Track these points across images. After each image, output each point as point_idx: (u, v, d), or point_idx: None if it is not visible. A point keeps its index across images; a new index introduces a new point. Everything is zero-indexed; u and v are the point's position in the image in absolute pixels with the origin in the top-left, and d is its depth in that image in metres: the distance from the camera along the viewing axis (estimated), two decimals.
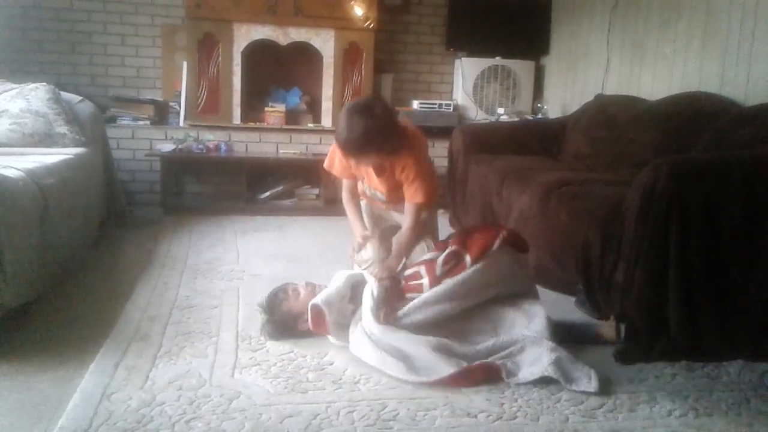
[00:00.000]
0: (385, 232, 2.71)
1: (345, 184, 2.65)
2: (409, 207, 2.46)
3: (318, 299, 2.23)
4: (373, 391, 1.94)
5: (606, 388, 1.99)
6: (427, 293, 2.25)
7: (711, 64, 3.50)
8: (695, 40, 3.64)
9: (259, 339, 2.28)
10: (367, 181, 2.59)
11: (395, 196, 2.53)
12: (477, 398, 1.91)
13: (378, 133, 2.23)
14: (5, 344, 2.17)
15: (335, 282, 2.35)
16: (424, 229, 2.61)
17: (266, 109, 5.03)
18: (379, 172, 2.47)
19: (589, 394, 1.95)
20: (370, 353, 2.07)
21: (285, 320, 2.30)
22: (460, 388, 1.96)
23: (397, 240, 2.53)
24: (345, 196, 2.66)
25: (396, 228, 2.61)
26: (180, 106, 4.99)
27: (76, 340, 2.25)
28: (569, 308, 2.67)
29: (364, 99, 2.75)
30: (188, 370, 2.02)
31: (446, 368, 1.99)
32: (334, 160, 2.61)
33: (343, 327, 2.24)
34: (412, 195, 2.44)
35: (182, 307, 2.60)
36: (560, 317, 2.44)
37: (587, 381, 1.99)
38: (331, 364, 2.11)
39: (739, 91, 3.27)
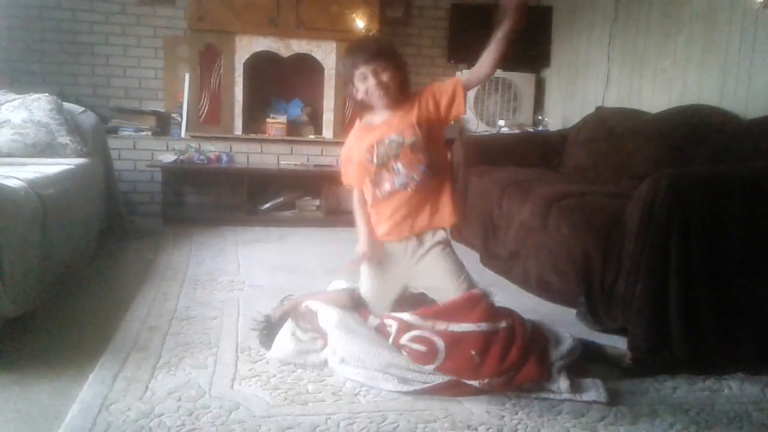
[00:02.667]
0: (406, 299, 2.30)
1: (356, 191, 2.42)
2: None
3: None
4: (373, 403, 1.93)
5: (611, 399, 1.98)
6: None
7: (711, 77, 3.52)
8: (695, 53, 3.65)
9: (258, 350, 2.27)
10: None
11: (428, 151, 2.20)
12: (477, 410, 1.90)
13: (392, 45, 2.32)
14: (4, 354, 2.17)
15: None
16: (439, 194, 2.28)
17: (267, 120, 5.05)
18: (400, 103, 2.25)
19: (592, 405, 1.94)
20: (358, 373, 2.05)
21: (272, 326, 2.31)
22: (458, 396, 1.95)
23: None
24: (356, 202, 2.42)
25: (417, 297, 2.28)
26: (181, 117, 5.00)
27: (75, 350, 2.24)
28: (570, 321, 2.67)
29: None
30: (187, 381, 2.02)
31: (440, 376, 1.98)
32: (348, 166, 2.37)
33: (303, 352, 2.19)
34: (450, 83, 2.24)
35: (182, 318, 2.59)
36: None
37: (596, 391, 1.98)
38: (331, 375, 2.10)
39: (739, 104, 3.28)
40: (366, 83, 2.19)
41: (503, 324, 2.02)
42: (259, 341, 2.28)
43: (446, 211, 2.24)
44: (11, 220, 2.22)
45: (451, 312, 2.04)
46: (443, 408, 1.90)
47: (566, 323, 2.56)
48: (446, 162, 2.30)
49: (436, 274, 2.19)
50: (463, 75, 2.26)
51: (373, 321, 2.16)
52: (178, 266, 3.40)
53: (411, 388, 1.96)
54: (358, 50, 2.23)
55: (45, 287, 2.56)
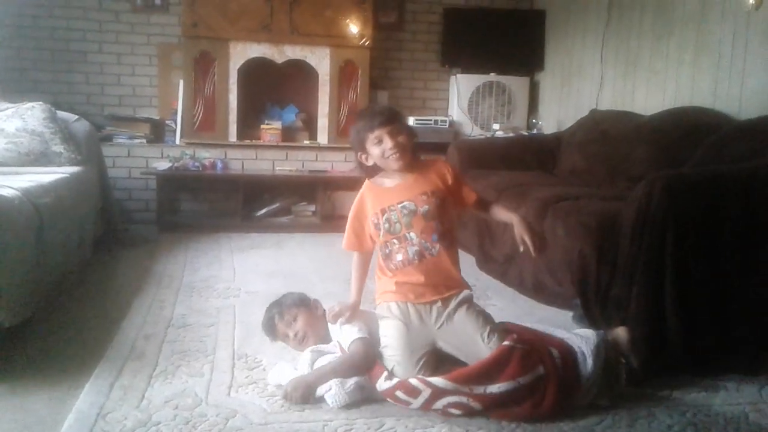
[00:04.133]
0: (424, 362, 2.08)
1: (356, 255, 2.35)
2: (487, 206, 2.37)
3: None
4: (370, 409, 1.92)
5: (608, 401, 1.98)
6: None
7: (704, 78, 3.53)
8: (687, 55, 3.67)
9: (255, 357, 2.27)
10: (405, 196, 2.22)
11: (441, 219, 2.18)
12: (475, 421, 1.89)
13: (396, 111, 2.31)
14: None
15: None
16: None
17: (262, 126, 5.05)
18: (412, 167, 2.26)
19: (590, 408, 1.94)
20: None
21: (270, 327, 2.32)
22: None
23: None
24: (354, 263, 2.35)
25: (435, 353, 2.11)
26: (176, 124, 5.00)
27: (71, 359, 2.23)
28: (566, 323, 2.67)
29: None
30: (184, 389, 2.01)
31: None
32: (353, 224, 2.31)
33: None
34: (469, 192, 2.32)
35: (178, 326, 2.58)
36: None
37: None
38: None
39: (733, 105, 3.30)
40: (382, 146, 2.18)
41: (541, 369, 1.93)
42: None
43: (459, 279, 2.20)
44: (6, 229, 2.21)
45: (486, 374, 1.92)
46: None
47: (562, 326, 2.55)
48: (455, 230, 2.27)
49: (464, 337, 2.08)
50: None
51: (385, 383, 1.98)
52: (173, 273, 3.39)
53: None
54: (372, 114, 2.23)
55: (40, 296, 2.55)
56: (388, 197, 2.20)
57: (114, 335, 2.45)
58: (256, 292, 3.08)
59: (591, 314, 2.61)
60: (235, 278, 3.36)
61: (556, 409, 1.89)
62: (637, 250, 2.23)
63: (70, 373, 2.11)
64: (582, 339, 2.07)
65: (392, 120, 2.21)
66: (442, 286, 2.13)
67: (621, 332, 2.19)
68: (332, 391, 1.93)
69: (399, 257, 2.15)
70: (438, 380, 1.91)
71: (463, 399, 1.88)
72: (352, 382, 1.95)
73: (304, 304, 2.35)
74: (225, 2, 4.81)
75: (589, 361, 1.98)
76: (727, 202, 2.23)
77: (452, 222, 2.23)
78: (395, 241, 2.15)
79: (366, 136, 2.19)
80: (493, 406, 1.88)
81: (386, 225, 2.16)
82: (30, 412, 1.85)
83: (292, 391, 1.93)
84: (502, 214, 2.35)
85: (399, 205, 2.16)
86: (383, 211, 2.17)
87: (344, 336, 2.13)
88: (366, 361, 2.04)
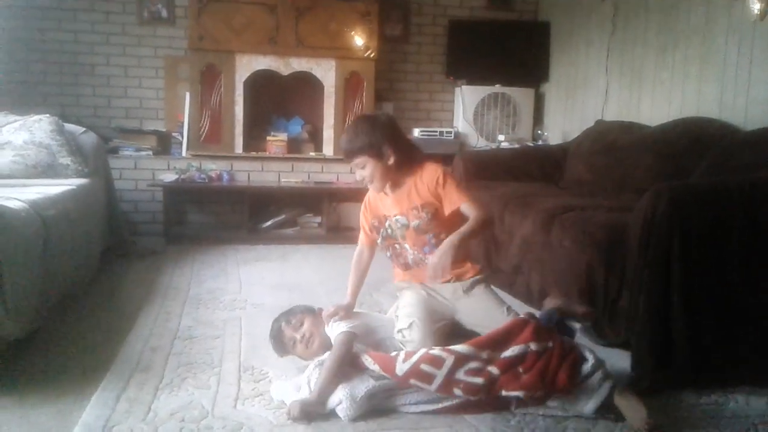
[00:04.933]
0: (438, 330, 2.20)
1: (359, 244, 2.43)
2: (465, 210, 2.22)
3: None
4: (378, 421, 1.92)
5: (617, 415, 1.97)
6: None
7: (709, 89, 3.53)
8: (693, 66, 3.67)
9: (261, 369, 2.26)
10: (398, 210, 2.28)
11: (435, 230, 2.22)
12: (482, 427, 1.88)
13: (368, 130, 2.21)
14: (5, 376, 2.16)
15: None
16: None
17: (268, 138, 5.06)
18: (393, 186, 2.28)
19: (598, 420, 1.92)
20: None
21: (276, 335, 2.29)
22: (464, 414, 1.94)
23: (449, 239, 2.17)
24: (355, 254, 2.42)
25: (453, 325, 2.24)
26: (182, 137, 5.02)
27: (77, 371, 2.23)
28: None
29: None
30: (190, 401, 2.01)
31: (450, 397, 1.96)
32: (365, 215, 2.42)
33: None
34: (453, 202, 2.21)
35: (184, 338, 2.58)
36: None
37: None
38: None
39: (738, 116, 3.29)
40: (358, 174, 2.29)
41: (550, 344, 1.99)
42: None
43: (467, 266, 2.30)
44: (13, 241, 2.22)
45: (503, 339, 2.00)
46: (448, 425, 1.89)
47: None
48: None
49: (484, 311, 2.21)
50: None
51: (405, 364, 1.95)
52: (180, 285, 3.39)
53: (438, 406, 1.95)
54: (341, 143, 2.29)
55: (47, 308, 2.56)
56: (387, 206, 2.29)
57: (120, 347, 2.45)
58: (262, 305, 3.08)
59: (598, 326, 2.60)
60: (242, 290, 3.36)
61: (559, 382, 1.91)
62: (643, 261, 2.22)
63: (76, 386, 2.10)
64: (587, 350, 2.06)
65: (350, 155, 2.25)
66: (452, 273, 2.22)
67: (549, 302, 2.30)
68: (343, 405, 1.92)
69: (401, 260, 2.30)
70: (459, 346, 1.98)
71: (481, 365, 1.94)
72: (362, 392, 1.94)
73: (309, 311, 2.35)
74: (231, 15, 4.84)
75: (590, 359, 2.00)
76: (732, 213, 2.23)
77: (449, 230, 2.23)
78: (396, 245, 2.24)
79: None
80: (508, 368, 1.94)
81: (388, 230, 2.24)
82: (36, 425, 1.85)
83: (296, 415, 1.89)
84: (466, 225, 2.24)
85: (394, 218, 2.23)
86: (385, 218, 2.23)
87: (333, 332, 2.15)
88: (344, 349, 2.04)
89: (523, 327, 2.03)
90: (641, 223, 2.23)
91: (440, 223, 2.22)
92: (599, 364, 1.99)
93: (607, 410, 1.93)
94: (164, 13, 5.12)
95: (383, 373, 1.97)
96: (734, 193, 2.27)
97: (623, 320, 2.41)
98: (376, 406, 1.96)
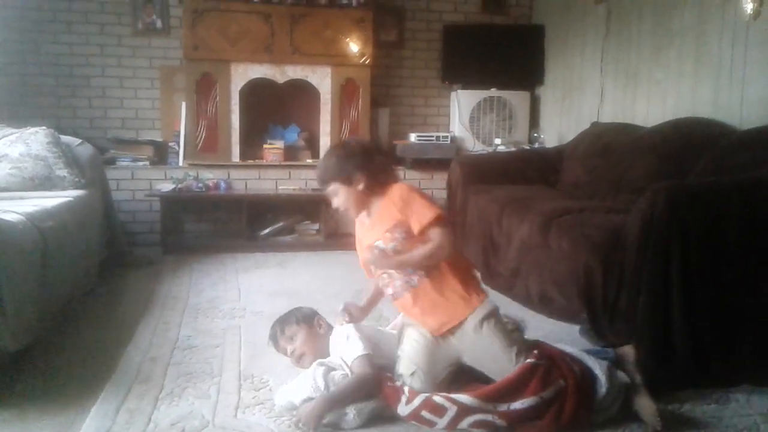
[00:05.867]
0: (445, 379, 2.09)
1: None
2: (429, 234, 2.07)
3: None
4: (380, 428, 1.91)
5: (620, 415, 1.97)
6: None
7: (704, 88, 3.53)
8: (687, 66, 3.68)
9: (262, 378, 2.26)
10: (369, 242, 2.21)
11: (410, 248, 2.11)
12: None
13: (338, 158, 2.18)
14: (5, 389, 2.15)
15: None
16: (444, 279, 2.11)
17: (265, 146, 5.06)
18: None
19: (601, 421, 1.92)
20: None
21: (273, 341, 2.33)
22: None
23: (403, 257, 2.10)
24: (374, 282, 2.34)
25: (461, 367, 2.12)
26: (179, 146, 5.02)
27: (77, 383, 2.22)
28: (574, 337, 2.65)
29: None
30: (191, 411, 2.00)
31: None
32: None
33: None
34: (420, 218, 2.06)
35: (184, 348, 2.58)
36: None
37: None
38: None
39: (734, 115, 3.30)
40: (333, 202, 2.24)
41: (562, 382, 1.93)
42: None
43: (459, 303, 2.07)
44: (11, 253, 2.21)
45: (510, 391, 1.92)
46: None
47: (570, 340, 2.54)
48: (446, 268, 2.11)
49: (490, 354, 2.04)
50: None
51: (407, 407, 1.95)
52: (178, 295, 3.39)
53: None
54: (315, 172, 2.29)
55: (45, 320, 2.55)
56: (367, 235, 2.21)
57: (119, 358, 2.44)
58: (262, 312, 3.07)
59: (598, 328, 2.60)
60: (240, 298, 3.35)
61: (575, 421, 1.89)
62: (642, 262, 2.23)
63: (75, 397, 2.10)
64: (595, 361, 2.05)
65: (322, 183, 2.23)
66: (442, 313, 2.07)
67: (628, 350, 2.17)
68: (348, 417, 1.92)
69: (390, 291, 2.18)
70: (463, 397, 1.91)
71: (488, 417, 1.88)
72: (369, 408, 1.94)
73: (306, 321, 2.34)
74: (226, 24, 4.84)
75: (602, 379, 1.97)
76: (730, 212, 2.23)
77: None
78: (385, 275, 2.16)
79: None
80: (518, 421, 1.89)
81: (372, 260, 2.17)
82: None
83: (305, 421, 1.90)
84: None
85: (375, 245, 2.14)
86: (368, 248, 2.17)
87: (348, 351, 2.10)
88: (375, 378, 2.03)
89: (531, 376, 1.93)
90: (639, 224, 2.23)
91: (416, 242, 2.08)
92: (611, 383, 1.97)
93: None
94: (159, 24, 5.12)
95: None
96: (732, 193, 2.28)
97: (623, 321, 2.40)
98: (379, 415, 1.96)
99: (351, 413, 1.92)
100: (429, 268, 2.09)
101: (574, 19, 4.96)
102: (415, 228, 2.05)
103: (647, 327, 2.21)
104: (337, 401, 1.94)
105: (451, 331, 2.05)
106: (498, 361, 2.02)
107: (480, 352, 2.05)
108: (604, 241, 2.65)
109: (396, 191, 2.13)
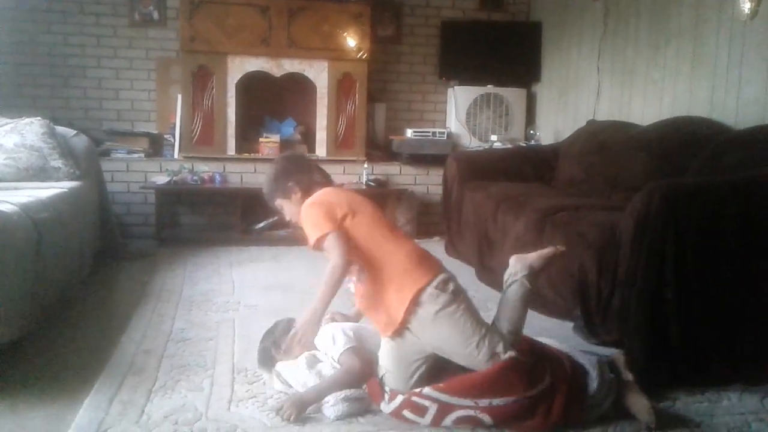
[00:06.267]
0: (422, 373, 2.05)
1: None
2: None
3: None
4: (372, 421, 1.92)
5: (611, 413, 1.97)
6: None
7: (700, 88, 3.54)
8: (684, 65, 3.68)
9: (255, 371, 2.26)
10: None
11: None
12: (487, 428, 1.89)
13: (272, 175, 2.30)
14: None
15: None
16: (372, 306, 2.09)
17: (261, 139, 5.05)
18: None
19: (597, 419, 1.93)
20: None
21: (266, 360, 2.23)
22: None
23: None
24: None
25: (435, 363, 2.06)
26: (174, 139, 5.00)
27: (70, 375, 2.22)
28: (567, 335, 2.66)
29: None
30: (184, 403, 2.00)
31: None
32: None
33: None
34: (309, 240, 2.10)
35: (177, 340, 2.57)
36: None
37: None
38: None
39: (729, 115, 3.31)
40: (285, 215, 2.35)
41: (547, 381, 1.91)
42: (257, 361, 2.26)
43: (393, 301, 1.99)
44: (4, 244, 2.21)
45: (489, 387, 1.88)
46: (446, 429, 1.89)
47: (563, 337, 2.55)
48: (364, 252, 2.06)
49: (451, 345, 1.98)
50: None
51: (389, 405, 1.94)
52: (172, 288, 3.38)
53: None
54: None
55: (39, 311, 2.55)
56: None
57: (113, 350, 2.44)
58: (256, 306, 3.08)
59: (592, 325, 2.61)
60: (235, 292, 3.35)
61: (566, 418, 1.89)
62: (636, 260, 2.23)
63: (69, 389, 2.10)
64: (585, 356, 2.06)
65: (268, 201, 2.34)
66: (384, 313, 2.02)
67: (618, 356, 2.17)
68: (330, 403, 1.92)
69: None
70: (440, 394, 1.89)
71: (471, 412, 1.87)
72: (349, 393, 1.94)
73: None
74: (223, 17, 4.83)
75: (593, 374, 1.97)
76: (725, 211, 2.24)
77: (359, 254, 2.06)
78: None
79: None
80: (503, 419, 1.87)
81: None
82: (30, 428, 1.84)
83: (288, 408, 1.91)
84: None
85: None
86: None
87: (335, 347, 2.11)
88: (362, 370, 2.04)
89: (514, 373, 1.90)
90: (634, 222, 2.24)
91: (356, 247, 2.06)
92: (602, 378, 1.98)
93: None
94: (155, 15, 5.10)
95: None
96: (727, 192, 2.29)
97: (616, 319, 2.41)
98: (366, 407, 1.97)
99: (332, 399, 1.93)
100: (363, 269, 2.06)
101: (571, 17, 4.96)
102: (309, 249, 2.11)
103: (641, 325, 2.21)
104: (324, 394, 1.96)
105: (399, 331, 1.98)
106: (458, 349, 1.96)
107: (436, 341, 1.99)
108: (598, 239, 2.66)
109: (302, 209, 2.18)
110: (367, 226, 2.10)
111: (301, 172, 2.29)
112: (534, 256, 2.22)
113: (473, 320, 1.99)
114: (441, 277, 2.02)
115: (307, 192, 2.23)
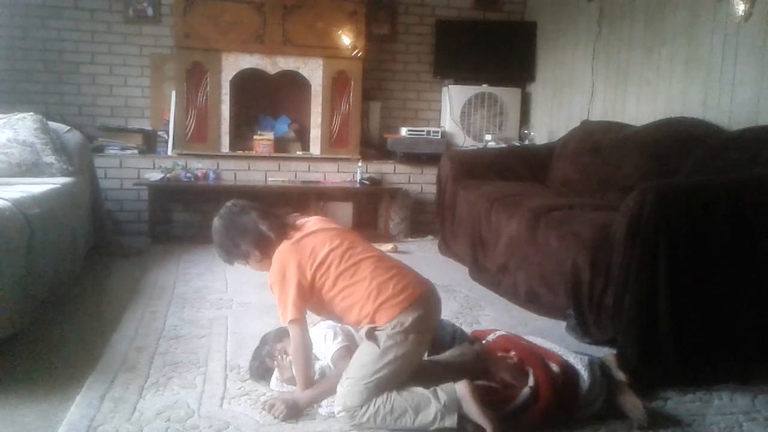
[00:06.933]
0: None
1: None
2: None
3: None
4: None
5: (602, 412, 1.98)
6: None
7: (694, 89, 3.55)
8: (678, 66, 3.69)
9: (248, 371, 2.25)
10: None
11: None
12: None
13: (221, 245, 2.11)
14: None
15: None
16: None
17: (255, 137, 5.04)
18: None
19: (583, 419, 1.93)
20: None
21: (262, 372, 2.18)
22: None
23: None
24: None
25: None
26: (168, 135, 4.99)
27: (62, 371, 2.21)
28: (560, 334, 2.67)
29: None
30: (176, 401, 2.00)
31: None
32: None
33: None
34: (279, 315, 2.01)
35: (170, 337, 2.57)
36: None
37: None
38: None
39: (723, 116, 3.32)
40: None
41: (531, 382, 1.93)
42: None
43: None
44: None
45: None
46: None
47: (556, 336, 2.56)
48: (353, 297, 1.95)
49: (360, 355, 1.93)
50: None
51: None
52: (165, 285, 3.37)
53: None
54: None
55: (31, 308, 2.54)
56: None
57: (105, 347, 2.43)
58: (249, 303, 3.07)
59: (584, 324, 2.62)
60: (228, 289, 3.34)
61: (557, 417, 1.89)
62: (629, 259, 2.24)
63: (60, 386, 2.09)
64: (575, 356, 2.06)
65: (227, 263, 2.16)
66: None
67: (609, 358, 2.18)
68: (323, 406, 1.94)
69: None
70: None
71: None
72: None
73: (285, 334, 2.28)
74: (217, 13, 4.81)
75: (584, 375, 1.98)
76: (718, 211, 2.25)
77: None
78: None
79: None
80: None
81: None
82: (21, 425, 1.83)
83: (280, 407, 1.90)
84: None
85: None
86: None
87: (327, 347, 2.12)
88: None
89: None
90: (628, 222, 2.24)
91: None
92: (593, 378, 1.98)
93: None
94: (150, 11, 5.08)
95: None
96: (720, 192, 2.30)
97: (609, 318, 2.42)
98: None
99: (324, 404, 1.94)
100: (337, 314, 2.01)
101: (566, 17, 4.96)
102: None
103: (633, 324, 2.22)
104: (317, 400, 1.96)
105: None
106: (356, 369, 1.89)
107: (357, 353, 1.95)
108: (592, 238, 2.67)
109: (269, 277, 2.03)
110: (334, 277, 1.95)
111: (247, 232, 2.05)
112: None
113: (397, 368, 1.87)
114: (399, 318, 1.87)
115: (264, 250, 2.04)
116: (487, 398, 1.86)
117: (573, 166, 4.08)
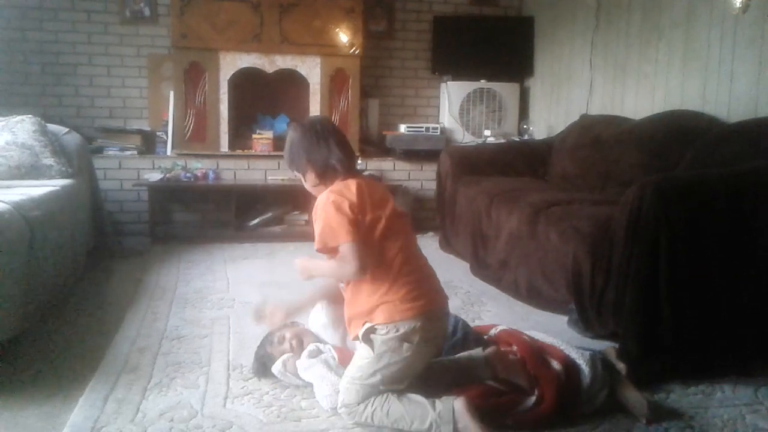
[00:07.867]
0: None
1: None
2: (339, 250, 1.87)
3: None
4: None
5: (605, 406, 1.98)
6: None
7: (692, 82, 3.55)
8: (676, 59, 3.69)
9: (250, 367, 2.26)
10: None
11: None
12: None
13: (288, 145, 2.06)
14: None
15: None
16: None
17: (254, 136, 5.04)
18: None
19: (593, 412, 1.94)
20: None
21: (264, 360, 2.19)
22: None
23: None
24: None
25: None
26: (167, 135, 4.98)
27: (65, 373, 2.22)
28: (562, 328, 2.67)
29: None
30: (179, 401, 2.00)
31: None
32: None
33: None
34: (316, 242, 1.90)
35: (172, 338, 2.57)
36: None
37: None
38: None
39: (722, 109, 3.32)
40: None
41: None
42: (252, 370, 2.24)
43: (360, 317, 1.88)
44: None
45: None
46: None
47: (557, 331, 2.56)
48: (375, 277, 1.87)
49: (357, 358, 1.91)
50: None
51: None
52: (166, 285, 3.38)
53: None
54: None
55: (32, 310, 2.54)
56: None
57: (107, 348, 2.43)
58: (250, 303, 3.06)
59: (586, 318, 2.62)
60: (229, 289, 3.35)
61: (560, 412, 1.90)
62: (630, 253, 2.24)
63: (63, 387, 2.09)
64: (577, 351, 2.07)
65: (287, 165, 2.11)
66: (355, 323, 1.91)
67: (609, 351, 2.19)
68: (326, 393, 1.95)
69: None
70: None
71: None
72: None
73: (284, 324, 2.29)
74: (214, 13, 4.81)
75: (586, 371, 1.98)
76: (718, 204, 2.25)
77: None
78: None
79: None
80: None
81: None
82: (24, 427, 1.84)
83: (272, 312, 2.03)
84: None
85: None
86: None
87: (328, 336, 2.20)
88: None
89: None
90: (628, 216, 2.25)
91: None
92: (595, 373, 1.98)
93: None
94: (147, 12, 5.07)
95: None
96: (719, 185, 2.30)
97: (610, 312, 2.42)
98: None
99: (327, 389, 1.97)
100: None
101: (563, 11, 4.96)
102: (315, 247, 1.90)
103: (634, 318, 2.22)
104: (314, 271, 2.05)
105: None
106: (353, 370, 1.87)
107: (357, 355, 1.92)
108: (592, 233, 2.67)
109: (318, 201, 1.94)
110: (382, 235, 1.88)
111: (317, 150, 1.97)
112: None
113: (392, 374, 1.84)
114: (396, 324, 1.83)
115: (322, 177, 1.98)
116: (493, 401, 1.87)
117: (572, 161, 4.08)
